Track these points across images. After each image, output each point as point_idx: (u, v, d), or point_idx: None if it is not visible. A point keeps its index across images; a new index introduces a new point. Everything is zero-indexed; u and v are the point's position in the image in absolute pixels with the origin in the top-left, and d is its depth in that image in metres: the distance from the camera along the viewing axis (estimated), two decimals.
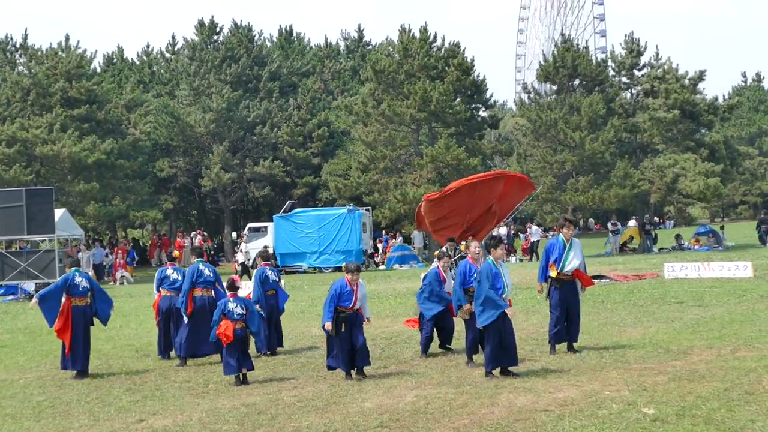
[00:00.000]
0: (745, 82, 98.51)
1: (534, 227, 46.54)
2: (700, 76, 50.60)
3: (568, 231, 15.01)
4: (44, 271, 33.09)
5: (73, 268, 15.70)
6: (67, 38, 58.26)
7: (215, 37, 65.92)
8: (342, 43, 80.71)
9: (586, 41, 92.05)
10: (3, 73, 56.24)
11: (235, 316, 13.63)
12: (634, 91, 51.80)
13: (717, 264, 28.06)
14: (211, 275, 16.36)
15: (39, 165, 47.58)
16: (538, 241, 45.89)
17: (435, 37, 52.90)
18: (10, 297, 34.01)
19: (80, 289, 15.19)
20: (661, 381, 11.89)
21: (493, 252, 13.52)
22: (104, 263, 44.39)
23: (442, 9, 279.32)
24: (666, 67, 50.88)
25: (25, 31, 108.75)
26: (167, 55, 73.63)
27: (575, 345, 14.99)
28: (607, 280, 27.85)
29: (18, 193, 33.38)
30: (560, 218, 15.53)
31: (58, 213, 34.71)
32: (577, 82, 49.14)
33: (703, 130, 53.09)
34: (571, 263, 14.98)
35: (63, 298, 15.24)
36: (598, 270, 31.15)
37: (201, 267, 16.35)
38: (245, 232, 46.71)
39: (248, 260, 43.69)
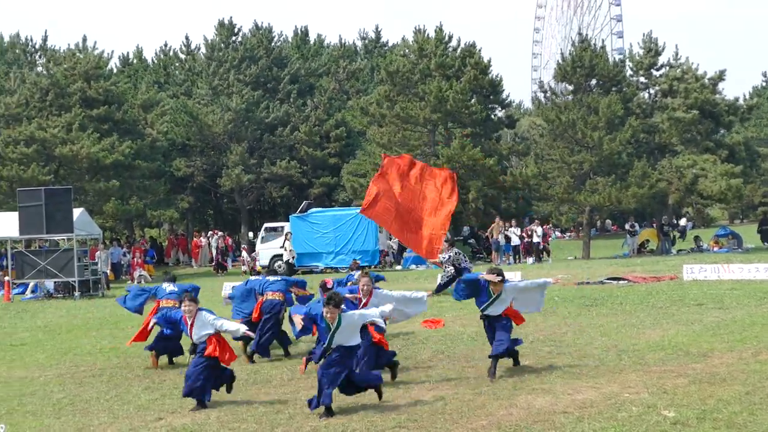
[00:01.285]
0: (766, 82, 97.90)
1: (539, 228, 46.26)
2: (720, 76, 50.23)
3: (494, 287, 13.41)
4: (63, 270, 33.31)
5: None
6: (85, 39, 58.63)
7: (234, 38, 66.07)
8: (360, 43, 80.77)
9: (603, 41, 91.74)
10: (22, 74, 56.46)
11: None
12: (652, 91, 51.51)
13: (737, 266, 27.86)
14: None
15: (57, 165, 47.75)
16: (538, 243, 45.65)
17: (451, 37, 52.90)
18: (30, 295, 34.15)
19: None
20: (682, 384, 11.82)
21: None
22: (122, 262, 44.57)
23: (457, 9, 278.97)
24: (685, 66, 50.55)
25: (45, 33, 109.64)
26: (182, 55, 73.80)
27: (494, 357, 13.32)
28: (625, 281, 27.75)
29: (37, 192, 33.54)
30: (489, 269, 13.81)
31: (77, 212, 34.84)
32: (594, 81, 48.91)
33: (722, 131, 52.70)
34: (495, 310, 13.59)
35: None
36: (616, 271, 31.07)
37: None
38: (261, 232, 46.77)
39: (259, 260, 43.79)
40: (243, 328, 12.57)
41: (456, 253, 27.34)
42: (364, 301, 13.93)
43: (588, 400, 11.05)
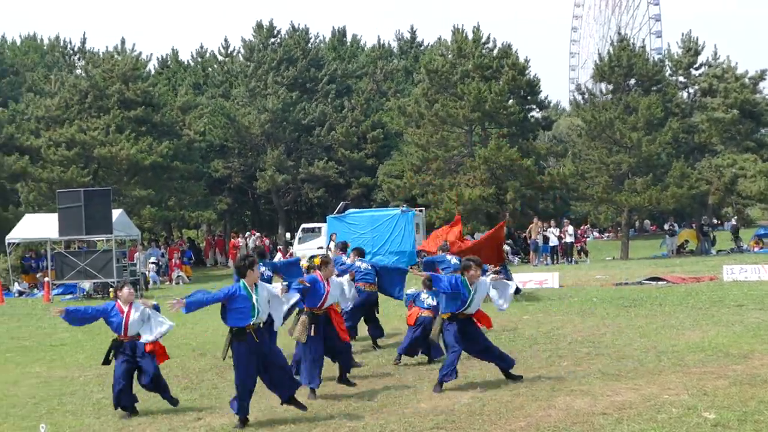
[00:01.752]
0: None
1: (570, 228, 45.92)
2: (761, 76, 49.75)
3: (474, 273, 12.80)
4: (102, 271, 33.51)
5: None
6: (123, 41, 59.12)
7: (272, 39, 66.33)
8: (395, 44, 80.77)
9: (642, 41, 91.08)
10: (62, 76, 57.00)
11: None
12: (691, 91, 51.12)
13: None
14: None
15: (96, 166, 48.14)
16: (571, 243, 45.23)
17: (488, 37, 52.79)
18: (69, 296, 34.45)
19: (264, 277, 14.96)
20: (722, 385, 11.70)
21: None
22: (160, 263, 44.86)
23: (494, 8, 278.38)
24: (725, 66, 50.13)
25: (83, 35, 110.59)
26: (220, 57, 74.17)
27: (512, 371, 13.08)
28: (664, 282, 27.55)
29: (77, 193, 33.78)
30: (464, 260, 13.24)
31: (116, 213, 35.08)
32: (632, 81, 48.60)
33: (763, 130, 52.16)
34: (474, 307, 13.04)
35: None
36: (655, 272, 30.85)
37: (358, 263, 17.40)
38: (298, 233, 46.86)
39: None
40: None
41: None
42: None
43: (627, 402, 10.97)
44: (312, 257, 13.90)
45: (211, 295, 11.12)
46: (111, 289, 13.13)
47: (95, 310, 12.35)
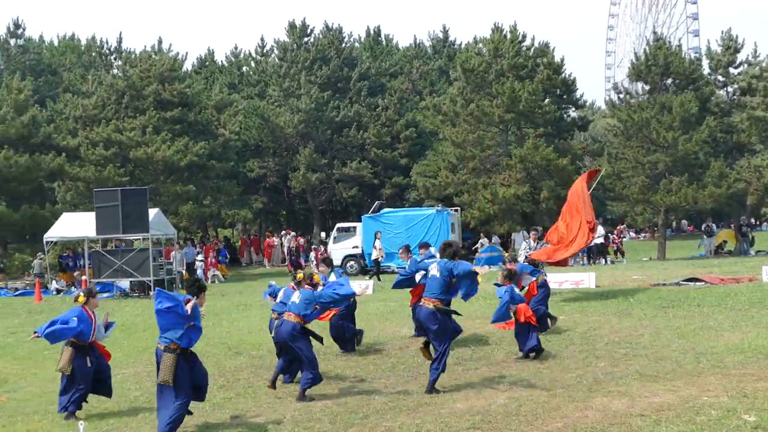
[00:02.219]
0: None
1: (601, 228, 45.34)
2: None
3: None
4: (139, 270, 33.74)
5: None
6: (160, 41, 59.35)
7: (306, 39, 66.45)
8: (428, 43, 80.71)
9: (679, 40, 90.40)
10: (99, 76, 57.39)
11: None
12: (730, 90, 50.62)
13: None
14: None
15: (133, 166, 48.45)
16: (602, 243, 44.67)
17: (524, 36, 52.58)
18: (106, 294, 34.69)
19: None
20: (762, 387, 11.57)
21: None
22: (195, 262, 45.04)
23: (530, 6, 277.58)
24: (764, 64, 49.55)
25: (120, 35, 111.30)
26: (256, 57, 74.42)
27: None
28: (702, 283, 27.28)
29: (114, 193, 34.03)
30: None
31: (152, 212, 35.29)
32: (669, 80, 48.22)
33: None
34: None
35: None
36: (692, 273, 30.57)
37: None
38: (333, 232, 46.89)
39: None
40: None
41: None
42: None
43: (665, 403, 10.87)
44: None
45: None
46: (78, 293, 13.12)
47: (72, 329, 12.56)
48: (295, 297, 13.09)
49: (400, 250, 18.29)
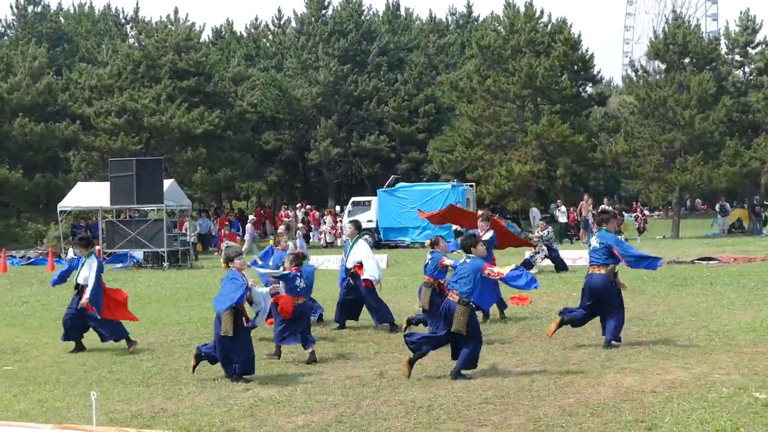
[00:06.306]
0: None
1: (563, 207, 44.86)
2: None
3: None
4: (153, 240, 33.61)
5: None
6: (176, 11, 59.47)
7: (323, 11, 66.27)
8: (450, 18, 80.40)
9: (698, 20, 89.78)
10: (114, 45, 57.38)
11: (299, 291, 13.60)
12: (747, 70, 50.37)
13: None
14: None
15: (148, 135, 48.47)
16: (566, 223, 44.62)
17: (541, 12, 52.38)
18: (119, 265, 34.68)
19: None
20: None
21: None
22: (211, 232, 45.08)
23: None
24: None
25: (137, 4, 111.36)
26: (273, 28, 74.27)
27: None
28: (716, 261, 27.27)
29: (129, 163, 33.94)
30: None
31: (167, 183, 35.10)
32: (687, 60, 47.99)
33: None
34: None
35: None
36: (706, 251, 30.53)
37: None
38: (348, 206, 46.89)
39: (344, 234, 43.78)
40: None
41: (548, 232, 26.94)
42: None
43: (677, 380, 10.90)
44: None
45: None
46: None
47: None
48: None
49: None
